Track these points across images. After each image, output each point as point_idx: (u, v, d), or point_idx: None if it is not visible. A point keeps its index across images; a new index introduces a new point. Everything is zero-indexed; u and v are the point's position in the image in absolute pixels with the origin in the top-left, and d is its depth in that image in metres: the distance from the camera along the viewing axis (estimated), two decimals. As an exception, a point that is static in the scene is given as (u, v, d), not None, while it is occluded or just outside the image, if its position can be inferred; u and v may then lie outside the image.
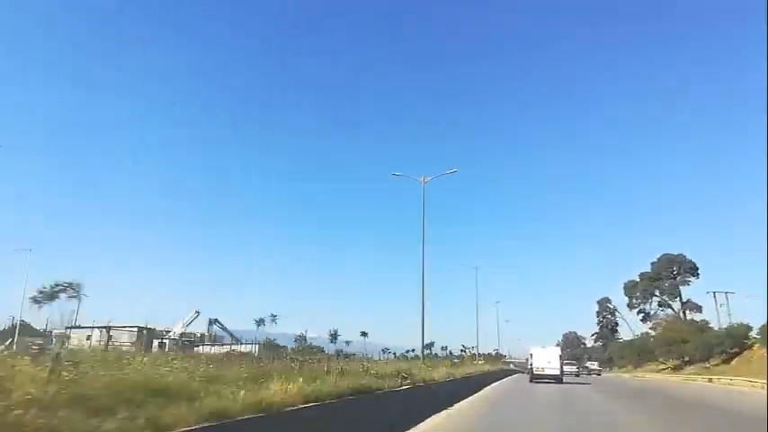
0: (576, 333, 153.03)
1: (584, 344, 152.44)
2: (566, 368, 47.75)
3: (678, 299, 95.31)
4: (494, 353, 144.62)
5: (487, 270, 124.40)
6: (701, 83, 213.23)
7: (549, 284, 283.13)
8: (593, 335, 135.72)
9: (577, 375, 57.10)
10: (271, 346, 57.60)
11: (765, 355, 44.61)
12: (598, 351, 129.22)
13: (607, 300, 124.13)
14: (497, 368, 57.40)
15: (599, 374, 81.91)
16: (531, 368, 38.80)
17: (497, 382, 37.75)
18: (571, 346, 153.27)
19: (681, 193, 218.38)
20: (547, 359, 38.30)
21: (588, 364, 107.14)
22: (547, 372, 37.32)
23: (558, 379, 36.86)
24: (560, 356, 39.89)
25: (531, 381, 37.34)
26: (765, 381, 30.05)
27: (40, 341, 21.46)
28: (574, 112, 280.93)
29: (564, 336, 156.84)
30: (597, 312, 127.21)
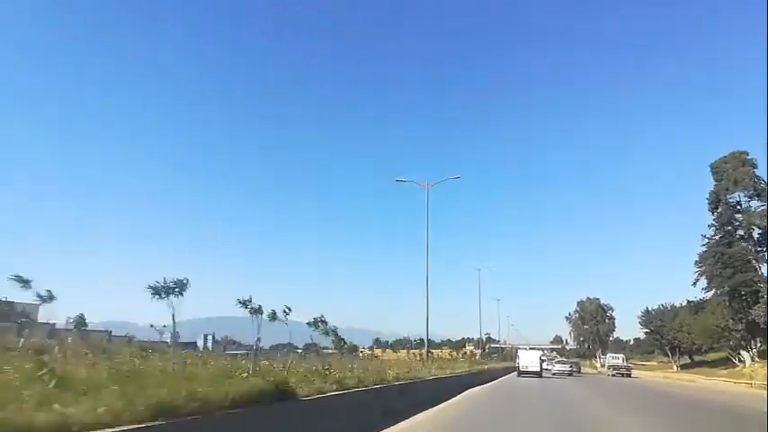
0: (598, 300, 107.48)
1: (611, 315, 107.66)
2: (558, 367, 59.06)
3: None
4: (484, 338, 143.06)
5: (492, 244, 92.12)
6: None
7: (560, 250, 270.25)
8: (698, 272, 58.21)
9: (570, 375, 55.31)
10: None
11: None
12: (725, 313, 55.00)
13: (741, 156, 52.72)
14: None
15: (627, 373, 58.73)
16: (519, 366, 49.42)
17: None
18: (590, 321, 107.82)
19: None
20: (530, 359, 49.49)
21: (609, 356, 73.80)
22: (530, 369, 47.67)
23: (538, 374, 46.98)
24: (540, 357, 51.07)
25: (518, 375, 46.87)
26: (765, 381, 30.46)
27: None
28: (566, 105, 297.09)
29: (579, 305, 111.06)
30: (711, 208, 55.22)
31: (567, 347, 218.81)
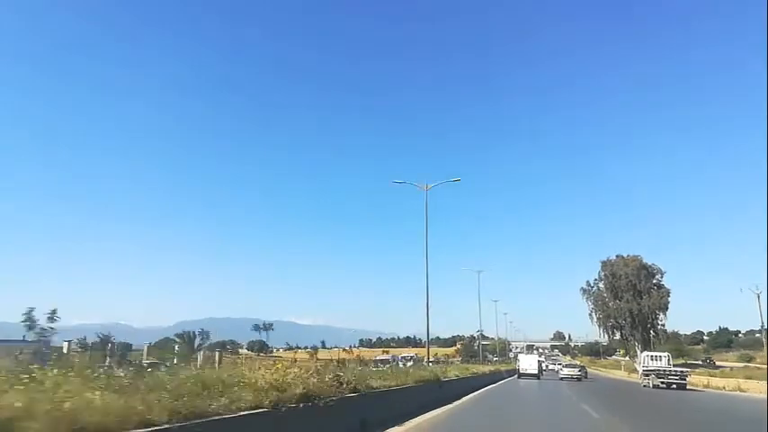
0: (639, 259, 63.46)
1: (660, 282, 63.58)
2: (566, 371, 54.63)
3: None
4: (476, 335, 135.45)
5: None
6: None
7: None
8: None
9: (579, 380, 49.80)
10: None
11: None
12: None
13: None
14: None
15: (682, 383, 37.57)
16: (519, 369, 53.49)
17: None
18: (626, 292, 63.80)
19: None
20: (529, 363, 54.24)
21: (645, 356, 44.68)
22: (529, 371, 51.88)
23: (536, 377, 51.17)
24: (538, 361, 56.64)
25: (518, 378, 50.53)
26: (765, 381, 30.13)
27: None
28: (569, 106, 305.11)
29: (606, 267, 66.79)
30: None
31: (572, 344, 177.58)
